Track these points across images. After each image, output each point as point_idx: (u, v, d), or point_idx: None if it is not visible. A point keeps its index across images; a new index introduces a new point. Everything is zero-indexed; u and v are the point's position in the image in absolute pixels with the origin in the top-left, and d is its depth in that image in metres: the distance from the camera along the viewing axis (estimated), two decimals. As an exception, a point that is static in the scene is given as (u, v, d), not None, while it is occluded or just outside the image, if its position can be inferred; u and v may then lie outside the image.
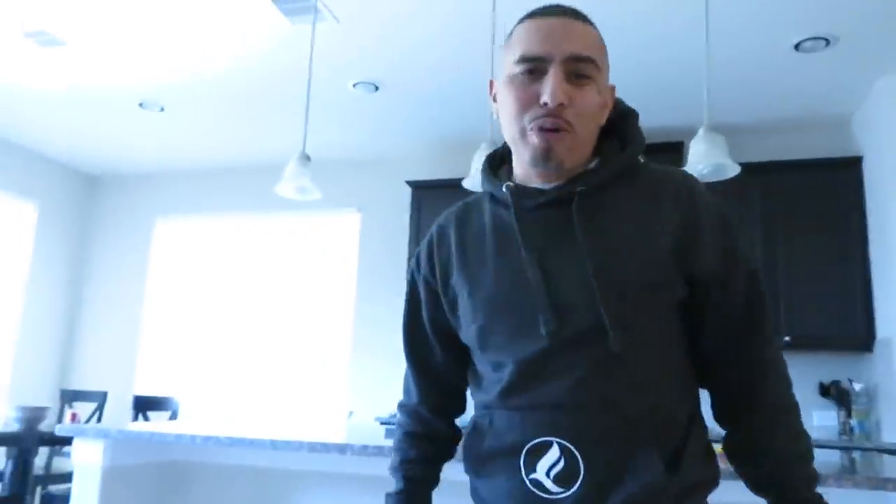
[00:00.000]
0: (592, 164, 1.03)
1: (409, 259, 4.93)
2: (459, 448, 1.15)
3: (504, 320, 1.00)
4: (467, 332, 1.06)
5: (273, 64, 4.11)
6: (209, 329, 5.84)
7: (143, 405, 4.04)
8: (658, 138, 4.90)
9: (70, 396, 4.79)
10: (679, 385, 1.00)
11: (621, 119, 1.08)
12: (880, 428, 4.08)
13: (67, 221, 6.19)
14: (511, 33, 1.05)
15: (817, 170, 4.35)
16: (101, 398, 4.70)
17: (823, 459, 2.31)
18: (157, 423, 2.75)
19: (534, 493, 0.96)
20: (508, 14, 3.45)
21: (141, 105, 4.75)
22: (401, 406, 1.21)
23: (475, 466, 1.05)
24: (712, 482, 1.01)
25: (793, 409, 1.02)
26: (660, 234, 0.97)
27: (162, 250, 6.14)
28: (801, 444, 1.01)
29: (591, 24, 1.02)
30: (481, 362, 1.06)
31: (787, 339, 4.22)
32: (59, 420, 4.88)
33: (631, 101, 4.37)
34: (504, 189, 1.04)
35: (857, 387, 4.19)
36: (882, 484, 1.66)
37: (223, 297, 5.86)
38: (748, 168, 4.41)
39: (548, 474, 0.95)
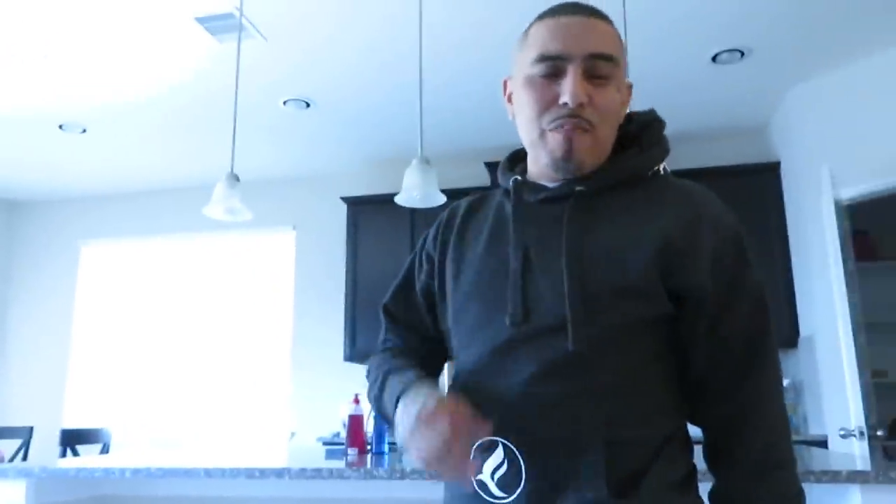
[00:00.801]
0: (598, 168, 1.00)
1: (347, 275, 4.90)
2: None
3: (476, 306, 0.98)
4: (445, 315, 1.05)
5: (200, 83, 4.03)
6: (142, 356, 5.65)
7: (72, 439, 3.87)
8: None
9: (-8, 433, 4.54)
10: (650, 405, 0.91)
11: (644, 127, 1.05)
12: (807, 420, 4.26)
13: (-15, 249, 5.90)
14: (527, 32, 1.01)
15: (738, 176, 4.53)
16: (26, 434, 4.48)
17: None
18: (87, 457, 2.64)
19: (480, 495, 0.92)
20: (435, 28, 3.48)
21: (61, 127, 4.58)
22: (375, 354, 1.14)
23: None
24: None
25: (783, 465, 0.92)
26: (647, 242, 0.92)
27: (88, 276, 5.92)
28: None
29: (610, 21, 1.00)
30: (453, 348, 1.04)
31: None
32: (-18, 459, 4.62)
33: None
34: (511, 182, 1.03)
35: (784, 382, 4.35)
36: (803, 477, 1.73)
37: (155, 322, 5.69)
38: (673, 175, 4.55)
39: (492, 476, 0.91)
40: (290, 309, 5.41)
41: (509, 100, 1.05)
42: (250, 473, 2.02)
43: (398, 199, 2.79)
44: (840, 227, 3.33)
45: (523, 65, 1.00)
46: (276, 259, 5.56)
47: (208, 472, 2.04)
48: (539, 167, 1.02)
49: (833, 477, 1.74)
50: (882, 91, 3.64)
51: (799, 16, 3.38)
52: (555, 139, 0.96)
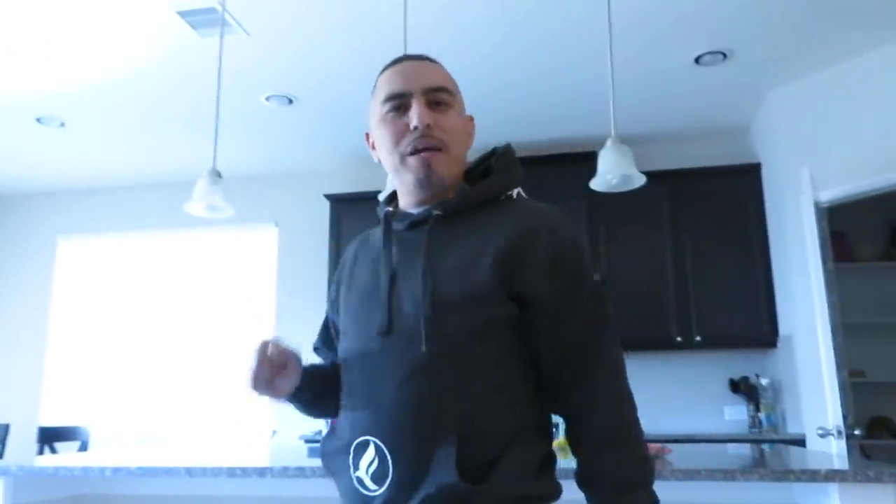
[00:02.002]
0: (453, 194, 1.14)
1: (329, 273, 4.88)
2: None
3: (354, 325, 1.12)
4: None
5: (182, 77, 3.99)
6: (121, 352, 5.59)
7: (50, 436, 3.82)
8: (570, 149, 5.03)
9: (-33, 431, 4.47)
10: (503, 399, 1.02)
11: (496, 158, 1.19)
12: (786, 419, 4.31)
13: (-39, 244, 5.81)
14: (375, 84, 1.18)
15: (720, 176, 4.57)
16: (3, 431, 4.41)
17: (735, 453, 2.42)
18: (65, 455, 2.61)
19: (358, 490, 1.03)
20: (420, 27, 3.47)
21: (39, 121, 4.52)
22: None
23: (327, 465, 1.13)
24: (540, 499, 1.03)
25: (626, 438, 1.03)
26: (488, 254, 1.04)
27: (66, 271, 5.84)
28: (633, 473, 1.02)
29: (441, 65, 1.17)
30: (339, 363, 1.17)
31: (698, 338, 4.39)
32: (-44, 457, 4.55)
33: (544, 117, 4.48)
34: (382, 214, 1.17)
35: (763, 381, 4.40)
36: (782, 476, 1.75)
37: (135, 318, 5.63)
38: (656, 176, 4.59)
39: (367, 472, 1.02)
40: (272, 306, 5.38)
41: (373, 147, 1.20)
42: (232, 472, 2.00)
43: (381, 197, 2.77)
44: (819, 228, 3.37)
45: (376, 110, 1.16)
46: (258, 256, 5.52)
47: (189, 471, 2.03)
48: (407, 196, 1.16)
49: (812, 476, 1.76)
50: (861, 94, 3.69)
51: (780, 19, 3.41)
52: (414, 162, 1.11)
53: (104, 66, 3.85)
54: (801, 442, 3.89)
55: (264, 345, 1.09)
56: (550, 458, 1.07)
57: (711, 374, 4.68)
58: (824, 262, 3.30)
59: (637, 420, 1.06)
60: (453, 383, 1.00)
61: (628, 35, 3.56)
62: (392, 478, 0.99)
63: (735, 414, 4.59)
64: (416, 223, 1.12)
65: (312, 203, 5.47)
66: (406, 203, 1.17)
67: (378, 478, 1.01)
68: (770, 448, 2.69)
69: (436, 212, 1.10)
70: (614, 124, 2.84)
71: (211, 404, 5.35)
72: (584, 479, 1.05)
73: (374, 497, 1.01)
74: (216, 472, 2.01)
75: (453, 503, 0.96)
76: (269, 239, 5.53)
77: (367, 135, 1.22)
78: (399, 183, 1.16)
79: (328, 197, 4.99)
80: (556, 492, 1.07)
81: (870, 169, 3.58)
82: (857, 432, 3.05)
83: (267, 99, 4.25)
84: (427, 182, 1.10)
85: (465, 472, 0.97)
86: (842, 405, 3.07)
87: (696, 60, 3.81)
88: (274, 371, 1.09)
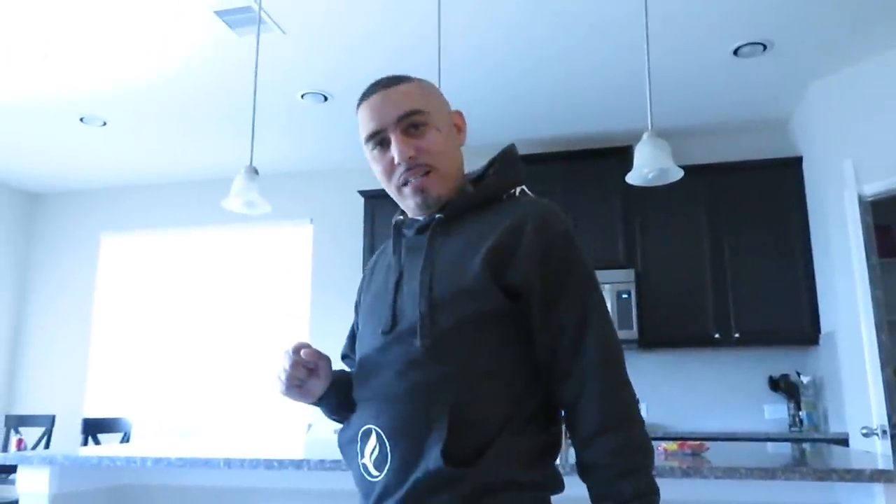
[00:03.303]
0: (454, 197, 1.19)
1: (364, 267, 4.91)
2: None
3: (365, 325, 1.18)
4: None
5: (219, 76, 4.05)
6: (161, 346, 5.71)
7: (93, 427, 3.92)
8: (606, 143, 4.98)
9: (15, 422, 4.62)
10: (495, 388, 1.05)
11: (498, 158, 1.23)
12: (827, 418, 4.21)
13: (8, 241, 5.98)
14: (357, 120, 1.23)
15: (760, 170, 4.48)
16: (48, 422, 4.54)
17: (775, 451, 2.38)
18: (108, 446, 2.67)
19: (364, 476, 1.09)
20: (454, 22, 3.47)
21: (82, 120, 4.63)
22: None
23: (343, 455, 1.17)
24: (533, 487, 1.04)
25: (619, 427, 1.02)
26: (482, 249, 1.08)
27: (109, 267, 5.98)
28: (630, 460, 1.01)
29: (407, 81, 1.18)
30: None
31: (736, 335, 4.32)
32: (5, 447, 4.70)
33: (580, 112, 4.44)
34: (393, 221, 1.24)
35: (804, 379, 4.31)
36: (826, 476, 1.71)
37: (175, 312, 5.74)
38: (694, 170, 4.52)
39: (371, 458, 1.07)
40: (307, 302, 5.43)
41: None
42: (269, 464, 2.03)
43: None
44: (863, 221, 3.29)
45: (364, 146, 1.21)
46: (294, 252, 5.58)
47: (228, 463, 2.06)
48: (410, 212, 1.22)
49: (856, 476, 1.72)
50: (908, 84, 3.58)
51: (821, 8, 3.33)
52: (409, 191, 1.16)
53: (144, 66, 3.92)
54: (843, 441, 3.80)
55: (297, 347, 1.14)
56: (549, 448, 1.08)
57: (750, 371, 4.59)
58: (868, 256, 3.21)
59: (634, 406, 1.06)
60: (446, 374, 1.04)
61: (666, 28, 3.51)
62: (390, 464, 1.04)
63: (775, 412, 4.51)
64: (422, 228, 1.17)
65: (347, 199, 5.51)
66: (413, 214, 1.22)
67: (379, 464, 1.06)
68: (811, 447, 2.64)
69: (438, 215, 1.15)
70: (651, 118, 2.80)
71: (248, 398, 5.43)
72: (581, 468, 1.06)
73: (375, 482, 1.06)
74: (254, 464, 2.04)
75: (440, 486, 1.00)
76: (304, 235, 5.58)
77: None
78: (403, 207, 1.22)
79: (362, 193, 5.02)
80: (555, 482, 1.08)
81: (917, 161, 3.47)
82: (902, 432, 2.97)
83: (302, 96, 4.29)
84: (425, 205, 1.16)
85: (454, 458, 1.00)
86: (886, 404, 2.99)
87: (735, 52, 3.73)
88: (305, 374, 1.15)
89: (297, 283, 5.51)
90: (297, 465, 2.02)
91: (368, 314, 1.19)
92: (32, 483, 2.21)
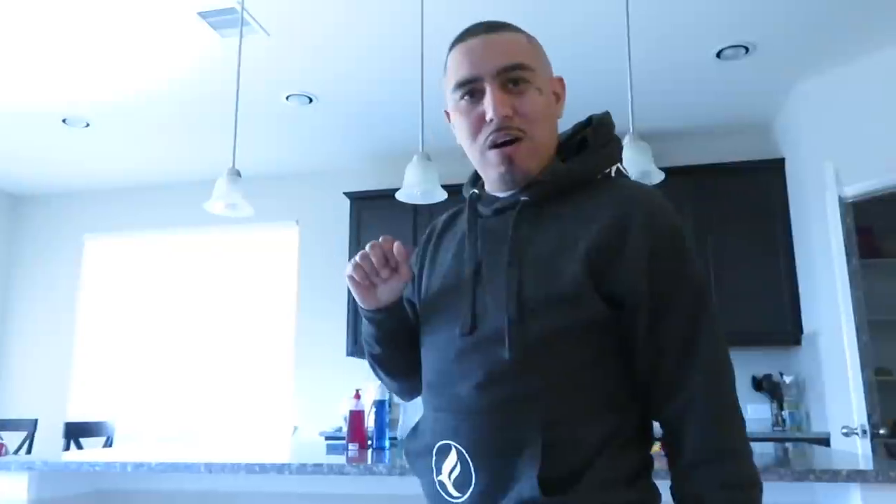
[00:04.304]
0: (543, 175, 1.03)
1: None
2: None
3: (435, 318, 1.04)
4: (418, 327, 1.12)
5: (203, 78, 4.03)
6: (146, 349, 5.67)
7: (76, 432, 3.89)
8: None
9: (-3, 426, 4.57)
10: (592, 405, 0.94)
11: (592, 129, 1.07)
12: (810, 418, 4.25)
13: (-10, 243, 5.93)
14: (445, 64, 1.06)
15: (743, 172, 4.51)
16: (31, 426, 4.50)
17: (757, 451, 2.39)
18: (88, 451, 2.65)
19: (440, 494, 0.98)
20: (438, 25, 3.47)
21: (65, 121, 4.59)
22: None
23: (411, 464, 1.07)
24: None
25: (728, 455, 0.91)
26: (579, 249, 0.95)
27: (93, 269, 5.94)
28: (735, 496, 0.90)
29: (513, 29, 1.03)
30: (421, 356, 1.10)
31: (720, 336, 4.34)
32: (-14, 452, 4.64)
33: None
34: (468, 196, 1.09)
35: (787, 379, 4.35)
36: (803, 476, 1.73)
37: (159, 315, 5.70)
38: (677, 172, 4.54)
39: (450, 478, 0.96)
40: (294, 304, 5.42)
41: (454, 127, 1.09)
42: (251, 469, 2.02)
43: (399, 196, 2.78)
44: (844, 224, 3.32)
45: (448, 95, 1.06)
46: (280, 254, 5.56)
47: (209, 467, 2.05)
48: (490, 182, 1.07)
49: (833, 476, 1.74)
50: (887, 88, 3.62)
51: (804, 11, 3.36)
52: (494, 157, 1.01)
53: (128, 68, 3.90)
54: (825, 441, 3.84)
55: (387, 238, 1.03)
56: (647, 465, 0.97)
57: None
58: (849, 257, 3.24)
59: (743, 435, 0.93)
60: (537, 390, 0.92)
61: (647, 29, 3.53)
62: (475, 486, 0.93)
63: (758, 412, 4.54)
64: (502, 209, 1.03)
65: (333, 201, 5.50)
66: (491, 186, 1.07)
67: (461, 485, 0.95)
68: (794, 447, 2.66)
69: (523, 198, 1.00)
70: (633, 121, 2.82)
71: (234, 401, 5.40)
72: (678, 496, 0.94)
73: None
74: (235, 469, 2.03)
75: None
76: (290, 237, 5.57)
77: (447, 113, 1.11)
78: (482, 174, 1.07)
79: (348, 195, 5.02)
80: (654, 498, 0.97)
81: (897, 163, 3.51)
82: (881, 432, 2.99)
83: (287, 98, 4.28)
84: (510, 177, 1.01)
85: (549, 482, 0.89)
86: (866, 404, 3.02)
87: (718, 55, 3.76)
88: (381, 263, 1.03)
89: (284, 286, 5.50)
90: (279, 469, 2.01)
91: (437, 301, 1.05)
92: (11, 489, 2.19)
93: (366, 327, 1.14)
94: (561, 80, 1.08)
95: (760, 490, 0.91)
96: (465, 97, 1.01)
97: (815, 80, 4.00)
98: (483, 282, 0.99)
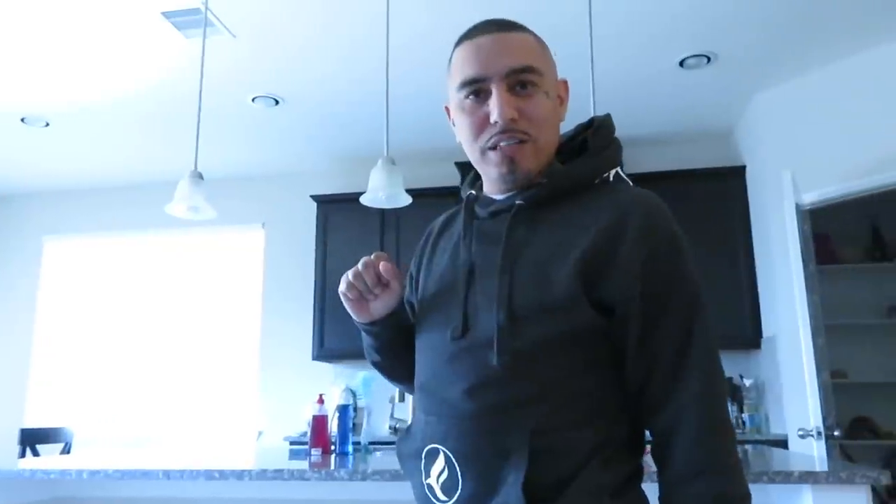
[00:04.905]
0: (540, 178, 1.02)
1: (316, 274, 4.88)
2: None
3: (430, 320, 1.04)
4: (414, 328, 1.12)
5: (167, 78, 3.98)
6: (106, 353, 5.57)
7: (32, 438, 3.80)
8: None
9: (-50, 433, 4.45)
10: (581, 413, 0.92)
11: (592, 132, 1.06)
12: (769, 420, 4.33)
13: (-55, 244, 5.77)
14: (450, 60, 1.04)
15: (705, 179, 4.59)
16: (-15, 433, 4.39)
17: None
18: (44, 458, 2.60)
19: (428, 497, 0.98)
20: (404, 28, 3.47)
21: (23, 120, 4.49)
22: None
23: (402, 466, 1.07)
24: None
25: (718, 469, 0.89)
26: (571, 255, 0.93)
27: (52, 272, 5.81)
28: None
29: (523, 30, 1.01)
30: (415, 358, 1.10)
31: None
32: (-62, 459, 4.52)
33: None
34: (465, 197, 1.08)
35: (747, 382, 4.43)
36: (757, 477, 1.76)
37: (121, 318, 5.60)
38: (640, 178, 4.60)
39: (437, 481, 0.96)
40: (259, 307, 5.37)
41: (454, 124, 1.07)
42: (210, 475, 2.00)
43: (363, 200, 2.78)
44: (801, 230, 3.39)
45: (452, 92, 1.03)
46: (245, 257, 5.51)
47: (167, 474, 2.02)
48: (489, 182, 1.06)
49: (786, 477, 1.78)
50: (844, 98, 3.72)
51: (765, 22, 3.43)
52: (495, 157, 0.99)
53: (89, 67, 3.83)
54: (783, 443, 3.92)
55: (379, 255, 1.04)
56: (637, 475, 0.97)
57: (696, 375, 4.69)
58: (806, 263, 3.31)
59: (735, 449, 0.92)
60: (526, 396, 0.91)
61: (611, 38, 3.57)
62: (461, 491, 0.93)
63: (719, 415, 4.61)
64: (498, 211, 1.02)
65: (299, 204, 5.47)
66: (489, 188, 1.06)
67: (448, 489, 0.95)
68: (753, 449, 2.71)
69: (519, 201, 0.99)
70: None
71: (198, 405, 5.33)
72: None
73: None
74: (194, 475, 2.01)
75: None
76: (256, 240, 5.51)
77: (447, 109, 1.09)
78: (482, 173, 1.06)
79: (315, 198, 4.99)
80: None
81: (853, 171, 3.61)
82: (836, 433, 3.07)
83: (253, 100, 4.24)
84: (511, 178, 1.00)
85: (535, 490, 0.89)
86: (822, 406, 3.09)
87: (681, 63, 3.82)
88: (372, 281, 1.04)
89: (250, 289, 5.44)
90: (239, 475, 1.99)
91: (430, 304, 1.05)
92: (-39, 497, 2.14)
93: (364, 338, 1.15)
94: (565, 83, 1.08)
95: None
96: (471, 96, 1.00)
97: (775, 90, 4.09)
98: (475, 285, 0.99)
